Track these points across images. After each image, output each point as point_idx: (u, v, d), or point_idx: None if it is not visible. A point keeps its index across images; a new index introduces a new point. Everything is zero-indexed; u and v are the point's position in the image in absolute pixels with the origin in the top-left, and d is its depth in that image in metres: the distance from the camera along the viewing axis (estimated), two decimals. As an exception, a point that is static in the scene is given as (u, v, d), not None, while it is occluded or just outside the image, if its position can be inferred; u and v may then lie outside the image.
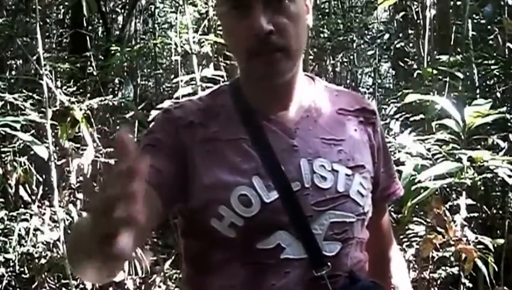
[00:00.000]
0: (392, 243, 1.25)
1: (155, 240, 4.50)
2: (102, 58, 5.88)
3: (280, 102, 1.05)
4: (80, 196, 3.50)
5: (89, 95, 4.33)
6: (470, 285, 2.77)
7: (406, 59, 7.05)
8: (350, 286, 1.00)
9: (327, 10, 7.73)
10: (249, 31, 0.95)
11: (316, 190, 0.99)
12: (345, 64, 8.47)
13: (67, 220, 3.35)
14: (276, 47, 0.96)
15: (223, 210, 0.96)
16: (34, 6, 3.86)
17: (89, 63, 5.18)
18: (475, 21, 5.20)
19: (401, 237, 3.05)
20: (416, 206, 2.87)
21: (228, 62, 3.94)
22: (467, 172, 2.47)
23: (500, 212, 3.82)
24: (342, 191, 1.01)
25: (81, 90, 4.57)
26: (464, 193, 2.68)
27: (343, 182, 1.01)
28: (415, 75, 5.11)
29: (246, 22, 0.95)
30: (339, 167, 1.02)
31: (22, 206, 3.68)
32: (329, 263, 0.98)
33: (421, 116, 3.84)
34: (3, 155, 3.61)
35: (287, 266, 0.97)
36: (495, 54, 4.40)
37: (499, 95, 4.42)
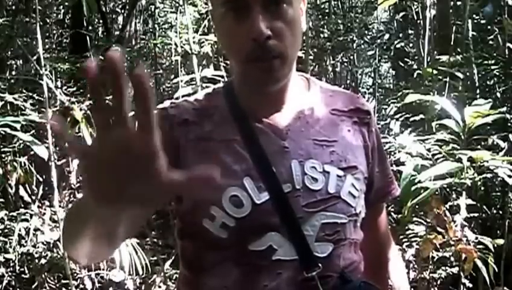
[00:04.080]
0: (389, 244, 1.25)
1: (155, 240, 4.50)
2: (103, 58, 5.86)
3: (273, 105, 1.06)
4: (80, 196, 3.50)
5: (88, 95, 4.33)
6: (470, 285, 2.77)
7: (406, 59, 7.05)
8: (341, 286, 1.00)
9: (327, 10, 7.72)
10: (247, 34, 0.94)
11: (307, 191, 1.00)
12: (345, 64, 8.46)
13: (67, 220, 3.34)
14: (273, 53, 0.96)
15: (215, 211, 0.97)
16: (34, 6, 3.86)
17: (89, 63, 5.16)
18: (475, 21, 5.20)
19: (401, 237, 3.05)
20: (416, 206, 2.87)
21: (228, 62, 3.95)
22: (467, 172, 2.47)
23: (500, 212, 3.82)
24: (333, 193, 1.01)
25: (81, 90, 4.57)
26: (464, 193, 2.68)
27: (334, 183, 1.01)
28: (415, 75, 5.11)
29: (244, 25, 0.95)
30: (331, 168, 1.02)
31: (22, 206, 3.67)
32: (320, 264, 0.98)
33: (421, 116, 3.84)
34: (3, 155, 3.61)
35: (278, 267, 0.97)
36: (495, 54, 4.40)
37: (499, 95, 4.43)
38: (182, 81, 3.51)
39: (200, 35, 3.99)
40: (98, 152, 0.59)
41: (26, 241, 3.43)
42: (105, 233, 0.82)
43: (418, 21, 5.92)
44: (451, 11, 4.97)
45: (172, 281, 3.57)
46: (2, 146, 3.69)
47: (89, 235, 0.82)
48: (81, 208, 0.82)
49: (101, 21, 7.44)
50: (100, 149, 0.59)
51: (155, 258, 3.74)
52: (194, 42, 3.68)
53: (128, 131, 0.57)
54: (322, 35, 7.27)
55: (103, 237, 0.84)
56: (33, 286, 3.43)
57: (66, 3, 6.68)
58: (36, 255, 3.44)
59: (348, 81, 8.26)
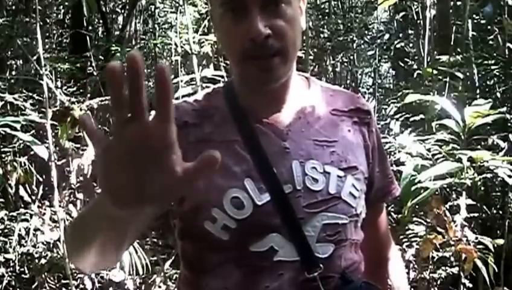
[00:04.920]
0: (389, 244, 1.25)
1: (155, 240, 4.50)
2: (103, 58, 5.87)
3: (274, 105, 1.05)
4: (80, 196, 3.50)
5: (89, 95, 4.34)
6: (470, 285, 2.77)
7: (406, 59, 7.05)
8: (342, 287, 1.00)
9: (327, 10, 7.72)
10: (246, 34, 0.94)
11: (308, 192, 0.99)
12: (345, 64, 8.45)
13: (67, 220, 3.34)
14: (273, 51, 0.96)
15: (216, 213, 0.97)
16: (34, 6, 3.86)
17: (89, 63, 5.18)
18: (475, 21, 5.20)
19: (401, 237, 3.05)
20: (416, 206, 2.87)
21: (228, 62, 3.95)
22: (467, 172, 2.47)
23: (500, 212, 3.82)
24: (334, 193, 1.01)
25: (81, 90, 4.58)
26: (464, 193, 2.68)
27: (334, 183, 1.01)
28: (415, 75, 5.12)
29: (242, 25, 0.95)
30: (331, 168, 1.02)
31: (22, 206, 3.67)
32: (321, 265, 0.98)
33: (421, 116, 3.84)
34: (3, 155, 3.61)
35: (280, 268, 0.97)
36: (495, 54, 4.40)
37: (499, 95, 4.43)
38: (182, 81, 3.51)
39: (200, 35, 3.99)
40: (117, 146, 0.60)
41: (26, 241, 3.43)
42: (114, 237, 0.83)
43: (418, 21, 5.92)
44: (451, 11, 4.97)
45: (172, 281, 3.57)
46: (2, 146, 3.69)
47: (97, 242, 0.83)
48: (90, 214, 0.83)
49: (101, 21, 7.43)
50: (119, 143, 0.60)
51: (155, 258, 3.74)
52: (194, 42, 3.68)
53: (146, 123, 0.59)
54: (322, 35, 7.27)
55: (112, 242, 0.84)
56: (33, 286, 3.43)
57: (66, 3, 6.68)
58: (36, 255, 3.44)
59: (348, 81, 8.25)
